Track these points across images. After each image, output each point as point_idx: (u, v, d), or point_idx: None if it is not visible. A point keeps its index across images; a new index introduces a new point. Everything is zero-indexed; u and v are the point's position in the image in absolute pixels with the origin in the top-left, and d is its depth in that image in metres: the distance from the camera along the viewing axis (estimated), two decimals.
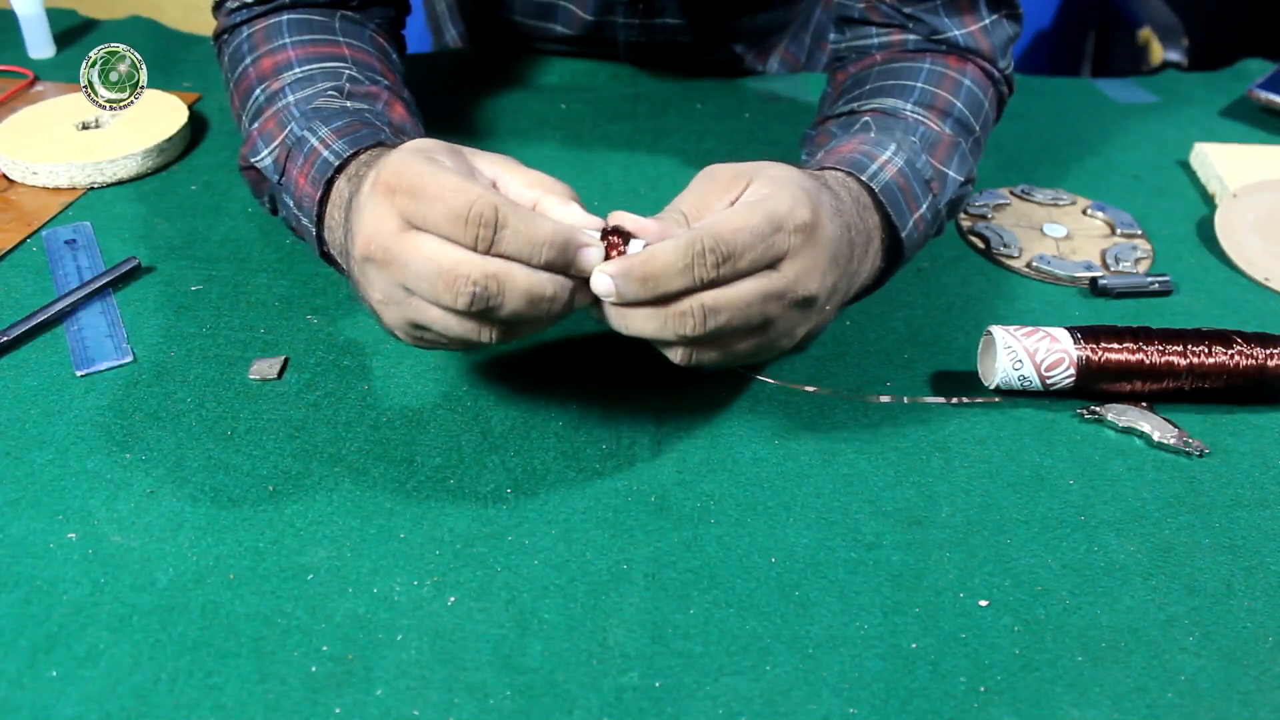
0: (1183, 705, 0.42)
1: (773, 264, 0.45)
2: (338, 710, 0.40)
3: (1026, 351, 0.55)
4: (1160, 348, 0.55)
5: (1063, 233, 0.73)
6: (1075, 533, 0.49)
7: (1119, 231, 0.73)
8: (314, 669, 0.42)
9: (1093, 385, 0.56)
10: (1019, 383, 0.55)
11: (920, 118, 0.62)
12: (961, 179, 0.62)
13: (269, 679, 0.41)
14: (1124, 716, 0.41)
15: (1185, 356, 0.55)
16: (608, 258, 0.44)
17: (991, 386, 0.56)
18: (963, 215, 0.74)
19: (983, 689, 0.42)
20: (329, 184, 0.54)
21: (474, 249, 0.42)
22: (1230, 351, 0.56)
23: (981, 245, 0.71)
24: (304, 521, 0.48)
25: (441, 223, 0.42)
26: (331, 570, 0.46)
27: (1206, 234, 0.74)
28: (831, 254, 0.47)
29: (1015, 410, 0.57)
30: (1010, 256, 0.70)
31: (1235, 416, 0.57)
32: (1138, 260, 0.70)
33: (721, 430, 0.54)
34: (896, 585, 0.46)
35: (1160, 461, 0.54)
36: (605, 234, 0.45)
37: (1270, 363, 0.56)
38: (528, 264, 0.43)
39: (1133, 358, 0.55)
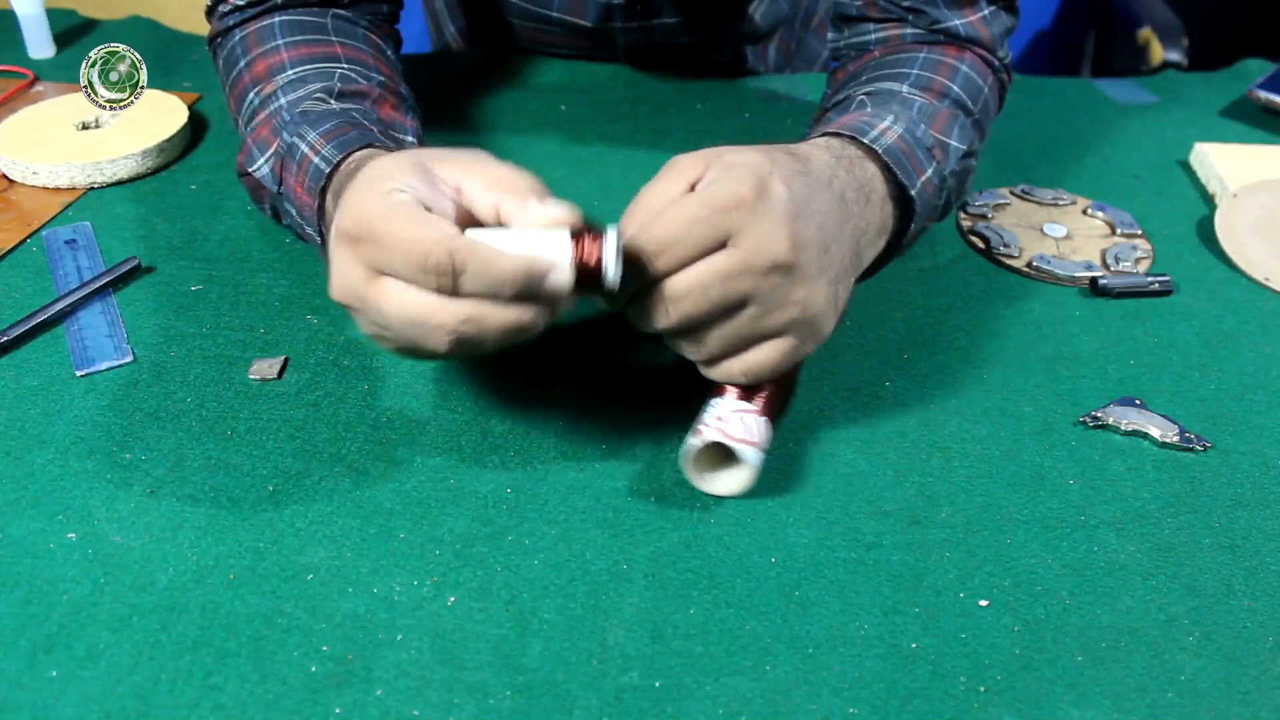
0: (1183, 705, 0.42)
1: (722, 245, 0.45)
2: (338, 710, 0.40)
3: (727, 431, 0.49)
4: None
5: (1063, 233, 0.73)
6: (1075, 533, 0.49)
7: (1119, 231, 0.73)
8: (314, 669, 0.42)
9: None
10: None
11: (916, 95, 0.62)
12: (964, 149, 0.62)
13: (269, 679, 0.41)
14: (1124, 716, 0.41)
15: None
16: (580, 260, 0.44)
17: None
18: (962, 215, 0.74)
19: (983, 689, 0.42)
20: (323, 193, 0.54)
21: (442, 293, 0.42)
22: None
23: (981, 245, 0.71)
24: (304, 521, 0.48)
25: (405, 271, 0.42)
26: (331, 570, 0.46)
27: (1206, 234, 0.74)
28: (790, 213, 0.45)
29: (1015, 410, 0.57)
30: (1010, 256, 0.70)
31: (1235, 416, 0.57)
32: (1138, 260, 0.70)
33: None
34: (896, 585, 0.46)
35: (1160, 461, 0.54)
36: (576, 233, 0.44)
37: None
38: (496, 300, 0.42)
39: None
